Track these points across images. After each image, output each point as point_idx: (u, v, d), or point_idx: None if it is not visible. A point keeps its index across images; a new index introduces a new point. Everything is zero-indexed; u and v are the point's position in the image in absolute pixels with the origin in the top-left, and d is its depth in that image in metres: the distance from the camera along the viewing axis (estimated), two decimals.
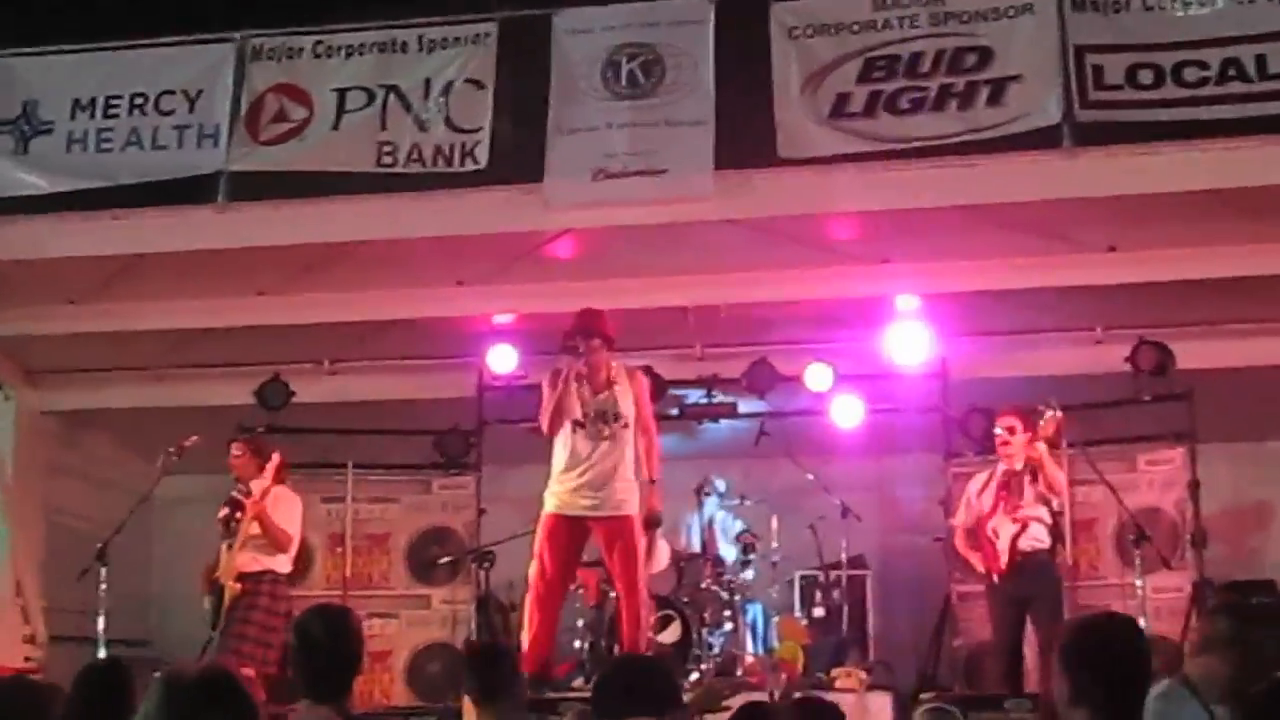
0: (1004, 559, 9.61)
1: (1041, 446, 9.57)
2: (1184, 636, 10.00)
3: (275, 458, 10.17)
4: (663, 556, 10.12)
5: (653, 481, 9.18)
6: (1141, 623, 9.26)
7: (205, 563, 10.31)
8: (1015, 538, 9.58)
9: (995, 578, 9.69)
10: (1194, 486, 10.63)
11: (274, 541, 10.05)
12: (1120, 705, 4.08)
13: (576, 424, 9.10)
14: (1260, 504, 12.52)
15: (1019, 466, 9.71)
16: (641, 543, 9.17)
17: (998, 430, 9.82)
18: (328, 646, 5.24)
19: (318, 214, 10.38)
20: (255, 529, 9.99)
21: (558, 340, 9.24)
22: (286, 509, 10.20)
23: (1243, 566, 11.63)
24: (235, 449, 10.37)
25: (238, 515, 10.03)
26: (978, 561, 9.86)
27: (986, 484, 9.93)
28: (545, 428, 9.06)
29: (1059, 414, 9.48)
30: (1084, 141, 9.51)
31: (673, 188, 9.84)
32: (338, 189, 10.31)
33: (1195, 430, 10.71)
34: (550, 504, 9.15)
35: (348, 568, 11.96)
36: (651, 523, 9.25)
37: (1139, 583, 9.57)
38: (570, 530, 9.15)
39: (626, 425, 9.07)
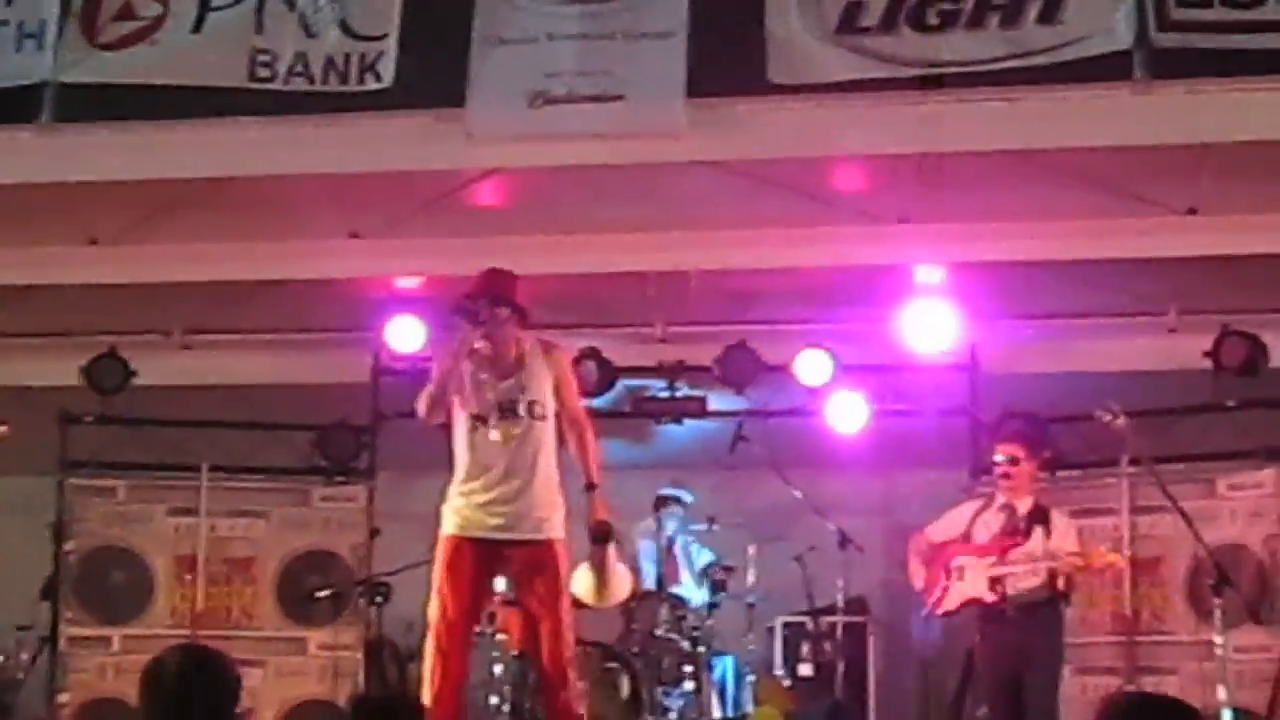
0: (953, 603, 9.72)
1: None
2: (1272, 709, 10.08)
3: None
4: (623, 584, 9.91)
5: (592, 486, 9.11)
6: (1220, 692, 9.34)
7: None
8: (998, 580, 9.64)
9: (934, 611, 9.84)
10: None
11: None
12: None
13: (476, 419, 9.01)
14: None
15: (1022, 508, 9.78)
16: (567, 576, 9.13)
17: (998, 458, 9.89)
18: (179, 696, 5.19)
19: (171, 142, 10.28)
20: None
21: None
22: None
23: None
24: None
25: None
26: (917, 576, 9.95)
27: (980, 512, 9.97)
28: (422, 411, 8.98)
29: (1121, 421, 9.51)
30: (1161, 73, 9.50)
31: (632, 119, 9.80)
32: (198, 110, 10.22)
33: None
34: (450, 523, 9.06)
35: (199, 600, 11.93)
36: (602, 536, 9.16)
37: (1218, 640, 9.54)
38: (477, 556, 9.07)
39: (544, 418, 8.99)
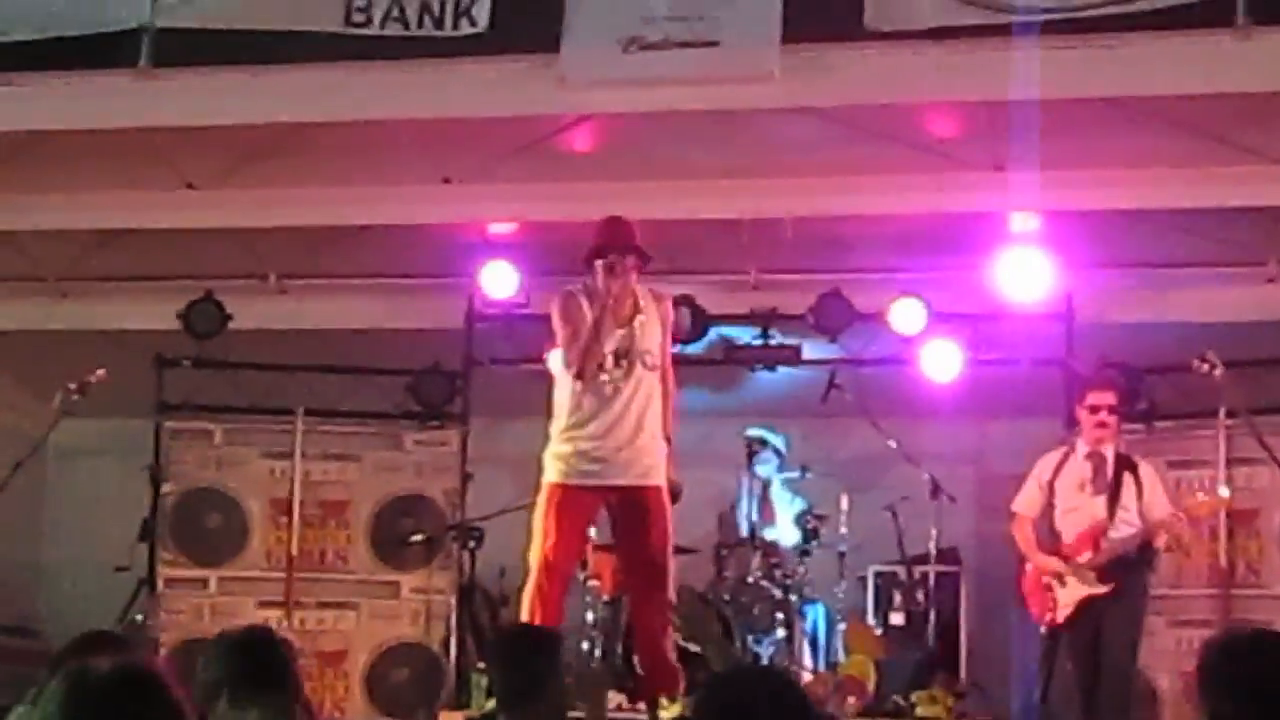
0: (1079, 547, 9.63)
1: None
2: None
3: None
4: None
5: (668, 442, 9.15)
6: None
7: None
8: (1101, 530, 9.60)
9: (1050, 626, 9.73)
10: None
11: None
12: None
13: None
14: None
15: (1110, 456, 9.75)
16: (671, 521, 9.15)
17: (1098, 403, 9.81)
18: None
19: (267, 86, 10.31)
20: None
21: (574, 257, 9.17)
22: None
23: None
24: None
25: None
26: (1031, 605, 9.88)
27: (1062, 464, 9.93)
28: (574, 363, 8.97)
29: (1218, 371, 9.44)
30: (1262, 18, 9.38)
31: (727, 64, 9.77)
32: (294, 55, 10.25)
33: None
34: (554, 470, 9.09)
35: (293, 543, 12.02)
36: (672, 495, 9.22)
37: None
38: (581, 503, 9.11)
39: (655, 367, 9.02)
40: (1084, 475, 9.79)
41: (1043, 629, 9.78)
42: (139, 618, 11.51)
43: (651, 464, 8.97)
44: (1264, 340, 10.81)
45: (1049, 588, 9.70)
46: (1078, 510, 9.75)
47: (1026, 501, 10.02)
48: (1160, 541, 9.67)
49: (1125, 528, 9.62)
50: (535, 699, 5.85)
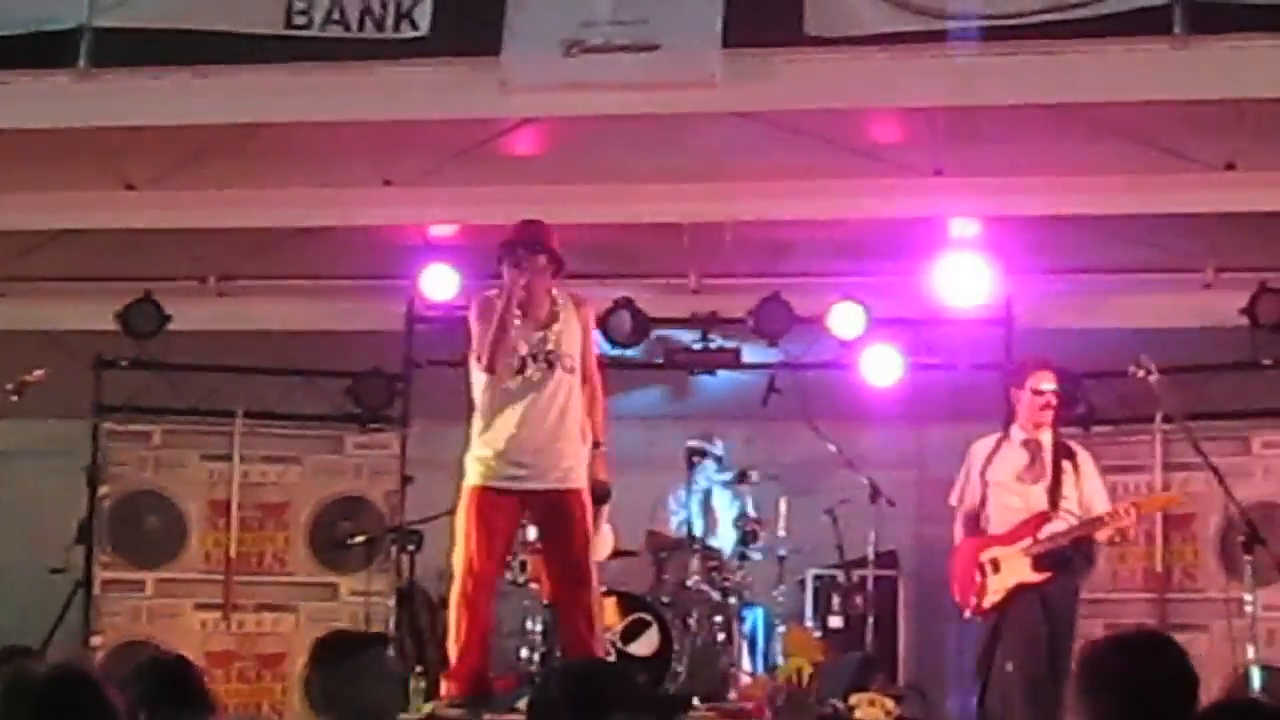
0: (1017, 535, 9.58)
1: None
2: None
3: None
4: (605, 545, 10.06)
5: (598, 445, 9.18)
6: (1249, 650, 9.35)
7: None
8: (1042, 519, 9.57)
9: (976, 612, 9.71)
10: None
11: None
12: None
13: (509, 367, 9.07)
14: None
15: (1047, 443, 9.74)
16: (592, 524, 9.18)
17: (1045, 386, 9.77)
18: None
19: (207, 87, 10.31)
20: None
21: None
22: None
23: None
24: None
25: None
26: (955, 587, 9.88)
27: (995, 452, 9.89)
28: (485, 360, 9.01)
29: (1154, 377, 9.49)
30: (1200, 28, 9.46)
31: (668, 68, 9.78)
32: (234, 56, 10.24)
33: None
34: (474, 473, 9.13)
35: (232, 546, 11.98)
36: (601, 497, 9.26)
37: (1248, 598, 9.59)
38: (502, 506, 9.14)
39: (572, 370, 9.05)
40: (1020, 463, 9.77)
41: (967, 613, 9.76)
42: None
43: (570, 467, 9.01)
44: (1201, 346, 10.89)
45: (981, 572, 9.65)
46: (1015, 499, 9.72)
47: (962, 493, 10.01)
48: (1105, 534, 9.71)
49: (1067, 516, 9.61)
50: (348, 701, 5.86)
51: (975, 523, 9.95)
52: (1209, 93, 9.55)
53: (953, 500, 10.09)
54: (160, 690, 5.64)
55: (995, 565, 9.62)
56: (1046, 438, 9.79)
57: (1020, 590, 9.52)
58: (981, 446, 10.00)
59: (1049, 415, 9.78)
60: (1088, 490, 9.70)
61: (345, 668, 6.02)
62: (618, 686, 4.65)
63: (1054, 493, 9.64)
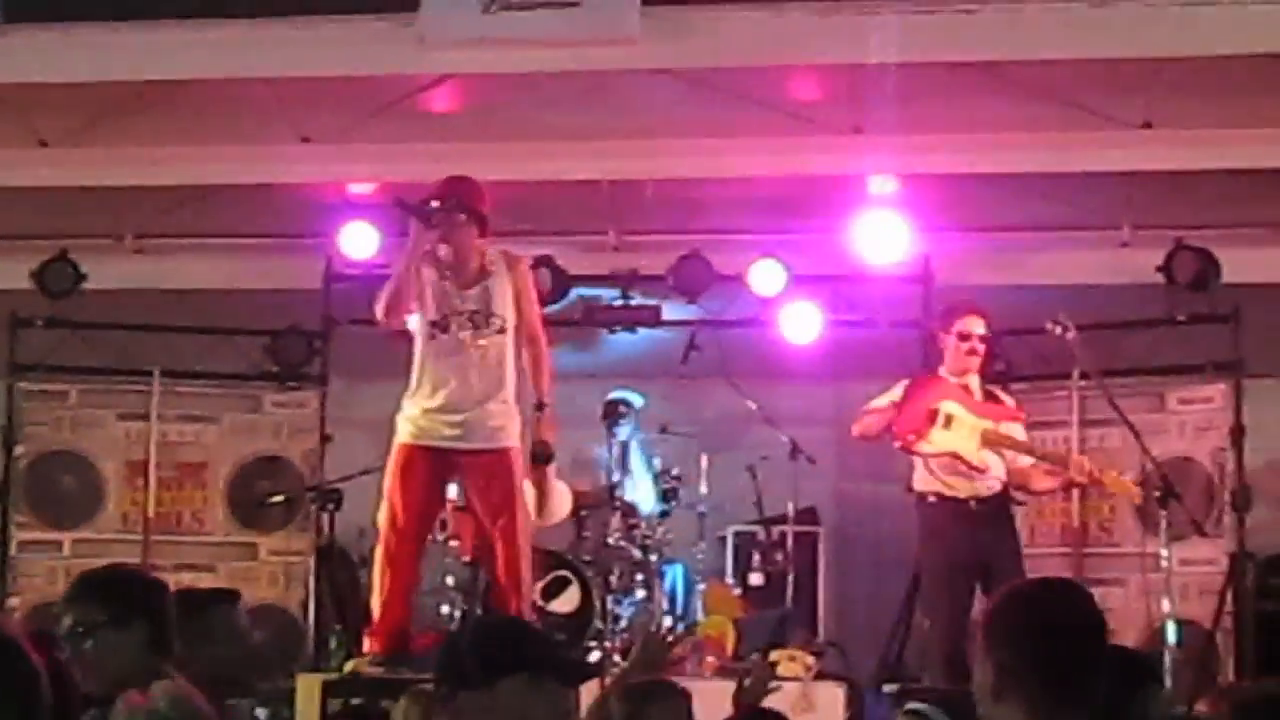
0: (933, 449, 9.54)
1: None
2: (1216, 621, 10.20)
3: None
4: (562, 503, 10.08)
5: (542, 406, 9.17)
6: (1165, 604, 9.45)
7: None
8: (969, 468, 9.54)
9: (907, 444, 9.59)
10: (1237, 433, 10.78)
11: None
12: (1060, 694, 4.09)
13: (435, 326, 9.04)
14: None
15: (976, 391, 9.73)
16: (522, 484, 9.18)
17: (972, 329, 9.73)
18: None
19: (122, 43, 10.20)
20: None
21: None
22: None
23: None
24: None
25: None
26: (875, 421, 9.76)
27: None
28: (380, 313, 9.01)
29: (1071, 334, 9.55)
30: None
31: (587, 25, 9.75)
32: (149, 11, 10.15)
33: (1242, 361, 10.84)
34: (404, 431, 9.13)
35: (150, 505, 11.92)
36: (542, 457, 9.25)
37: (1163, 553, 9.67)
38: (430, 465, 9.14)
39: (503, 330, 9.04)
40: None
41: (898, 443, 9.69)
42: None
43: (500, 427, 9.01)
44: (1117, 304, 10.98)
45: (931, 418, 9.55)
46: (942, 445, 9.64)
47: (879, 401, 9.89)
48: (1044, 484, 9.82)
49: (995, 466, 9.62)
50: (197, 661, 5.81)
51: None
52: (1126, 51, 9.60)
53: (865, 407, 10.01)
54: None
55: (948, 420, 9.58)
56: (974, 383, 9.79)
57: (952, 459, 9.48)
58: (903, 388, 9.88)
59: (975, 361, 9.76)
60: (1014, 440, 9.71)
61: (192, 626, 5.88)
62: (526, 645, 4.64)
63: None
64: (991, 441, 9.57)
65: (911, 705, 8.76)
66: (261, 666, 8.32)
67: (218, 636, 6.11)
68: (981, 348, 9.78)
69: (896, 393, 9.81)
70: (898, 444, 9.71)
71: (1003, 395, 9.99)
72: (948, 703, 9.22)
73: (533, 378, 9.17)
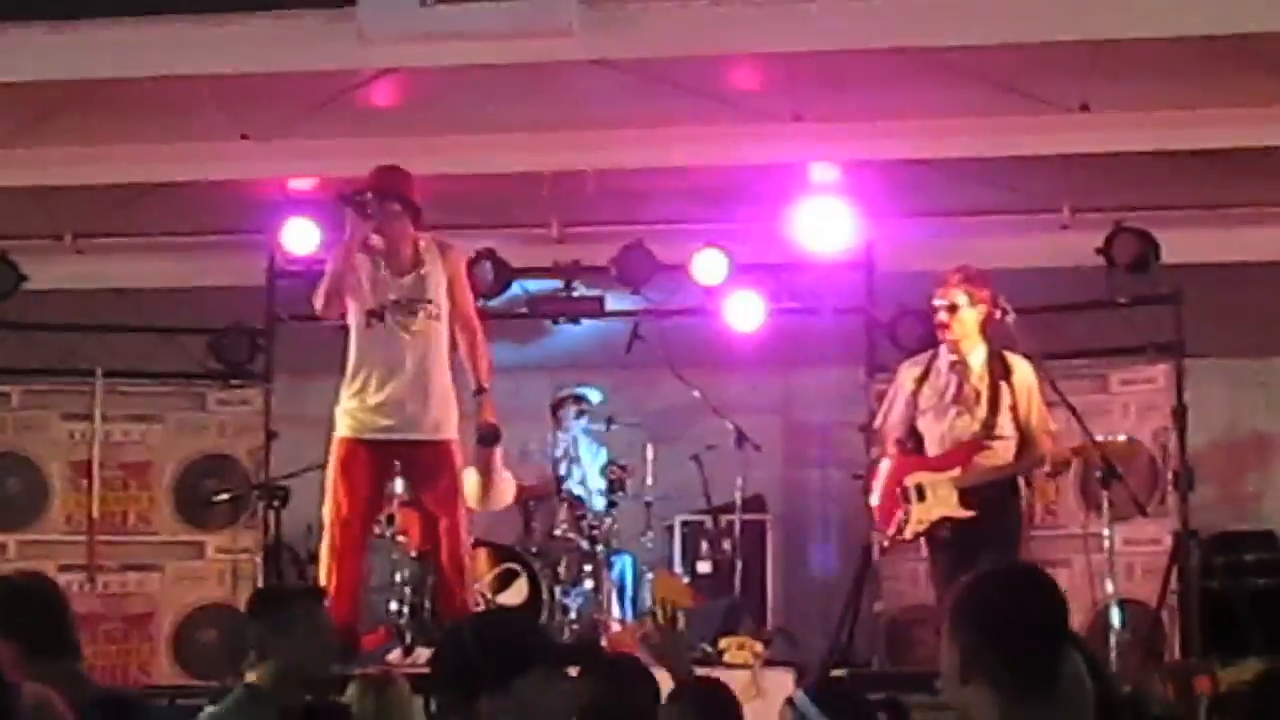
0: (946, 463, 9.32)
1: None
2: (1161, 600, 10.27)
3: None
4: (507, 489, 10.07)
5: (482, 390, 9.19)
6: (1108, 584, 9.52)
7: None
8: (973, 447, 9.40)
9: (895, 540, 9.52)
10: (1179, 413, 10.84)
11: None
12: (1026, 678, 4.14)
13: (371, 315, 9.06)
14: (1261, 437, 12.81)
15: (977, 362, 9.49)
16: (463, 475, 9.20)
17: (934, 301, 9.53)
18: None
19: (61, 42, 10.16)
20: None
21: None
22: None
23: (1237, 514, 11.96)
24: None
25: None
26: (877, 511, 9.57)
27: (925, 376, 9.61)
28: (319, 306, 9.03)
29: (1012, 318, 9.57)
30: None
31: (526, 18, 9.76)
32: (87, 9, 10.13)
33: (1183, 342, 10.89)
34: (343, 425, 9.15)
35: (94, 506, 11.87)
36: (489, 439, 9.25)
37: (1106, 533, 9.70)
38: (371, 458, 9.16)
39: (437, 317, 9.05)
40: (947, 387, 9.52)
41: (886, 543, 9.64)
42: None
43: (441, 418, 9.05)
44: (1058, 286, 11.03)
45: (904, 498, 9.38)
46: (944, 425, 9.48)
47: (885, 416, 9.79)
48: (1048, 467, 9.65)
49: (1000, 444, 9.41)
50: (282, 653, 6.02)
51: (900, 448, 9.59)
52: (1062, 34, 9.64)
53: (877, 423, 9.96)
54: None
55: (920, 493, 9.36)
56: (978, 357, 9.50)
57: (944, 523, 9.30)
58: (909, 370, 9.76)
59: (945, 334, 9.47)
60: (1024, 411, 9.44)
61: (278, 620, 6.11)
62: (533, 638, 4.64)
63: (989, 420, 9.39)
64: (969, 486, 9.30)
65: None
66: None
67: (300, 633, 6.16)
68: (946, 317, 9.44)
69: (874, 498, 9.62)
70: (894, 542, 9.61)
71: (1014, 363, 9.47)
72: (885, 681, 9.28)
73: (470, 363, 9.21)
